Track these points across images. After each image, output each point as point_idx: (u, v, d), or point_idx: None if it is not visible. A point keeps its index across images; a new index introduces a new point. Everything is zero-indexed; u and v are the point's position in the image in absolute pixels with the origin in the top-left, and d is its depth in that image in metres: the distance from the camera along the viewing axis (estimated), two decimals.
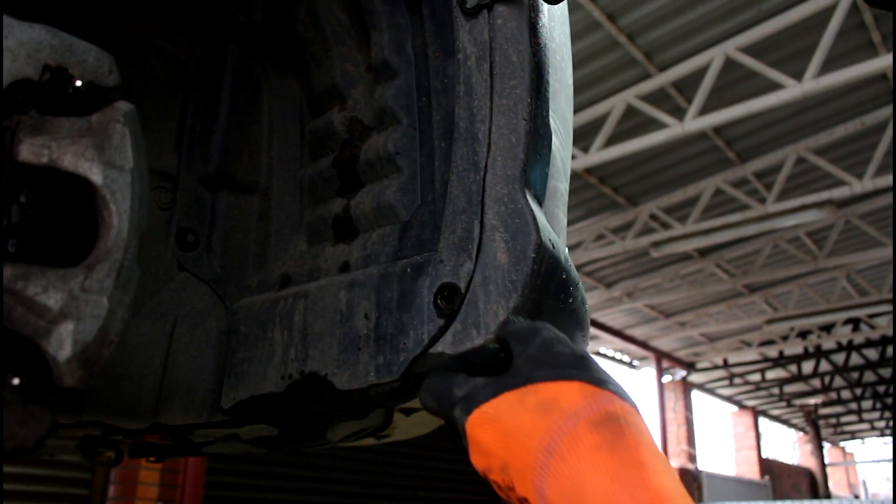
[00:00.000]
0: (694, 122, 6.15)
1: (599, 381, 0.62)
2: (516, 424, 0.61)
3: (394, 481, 7.07)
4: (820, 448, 20.79)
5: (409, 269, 0.84)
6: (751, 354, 15.66)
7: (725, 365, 16.31)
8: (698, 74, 6.09)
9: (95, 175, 0.68)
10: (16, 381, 0.64)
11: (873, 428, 24.09)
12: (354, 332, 0.86)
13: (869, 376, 17.39)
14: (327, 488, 6.41)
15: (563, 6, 0.96)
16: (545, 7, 0.84)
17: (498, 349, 0.71)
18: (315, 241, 1.02)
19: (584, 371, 0.63)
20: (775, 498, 16.60)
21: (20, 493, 4.57)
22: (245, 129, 1.11)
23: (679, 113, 6.43)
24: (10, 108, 0.68)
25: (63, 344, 0.63)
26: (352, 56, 1.05)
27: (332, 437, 1.06)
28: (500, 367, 0.69)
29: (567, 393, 0.61)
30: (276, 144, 1.13)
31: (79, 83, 0.72)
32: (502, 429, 0.62)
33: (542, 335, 0.68)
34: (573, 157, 5.90)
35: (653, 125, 6.45)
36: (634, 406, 0.62)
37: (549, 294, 0.77)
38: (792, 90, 5.61)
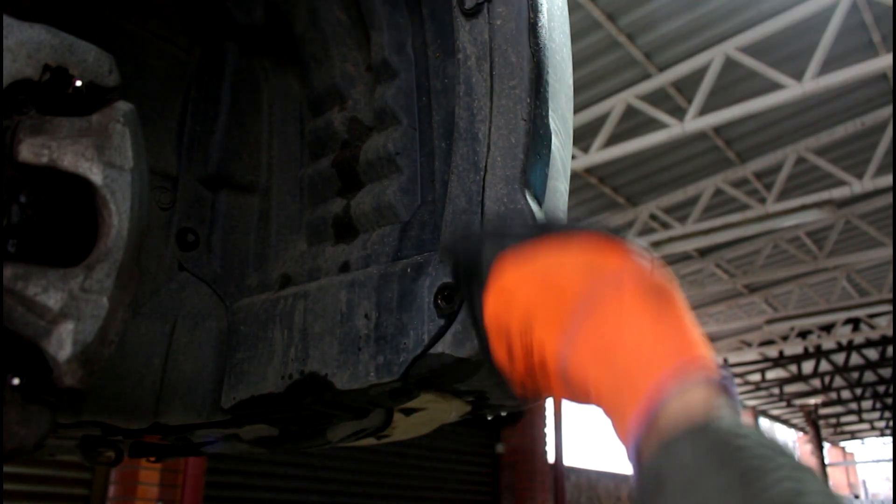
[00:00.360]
0: (694, 122, 6.15)
1: (639, 248, 0.60)
2: (556, 269, 0.58)
3: (394, 481, 7.06)
4: (820, 448, 20.80)
5: (409, 270, 0.84)
6: (751, 354, 15.66)
7: (725, 365, 16.29)
8: (698, 74, 6.09)
9: (95, 175, 0.68)
10: (16, 381, 0.64)
11: (873, 428, 24.09)
12: (354, 332, 0.85)
13: (869, 376, 17.38)
14: (327, 488, 6.41)
15: (563, 6, 0.96)
16: (545, 7, 0.84)
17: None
18: (315, 242, 1.02)
19: (625, 236, 0.62)
20: None
21: (20, 493, 4.57)
22: (245, 129, 1.11)
23: (679, 113, 6.43)
24: (11, 108, 0.68)
25: (63, 344, 0.63)
26: (352, 56, 1.05)
27: (332, 437, 1.05)
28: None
29: (611, 250, 0.59)
30: (276, 144, 1.13)
31: (79, 83, 0.72)
32: (538, 271, 0.60)
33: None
34: (573, 157, 5.90)
35: (653, 125, 6.44)
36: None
37: None
38: (792, 90, 5.61)
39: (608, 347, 0.54)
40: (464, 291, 0.69)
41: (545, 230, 0.64)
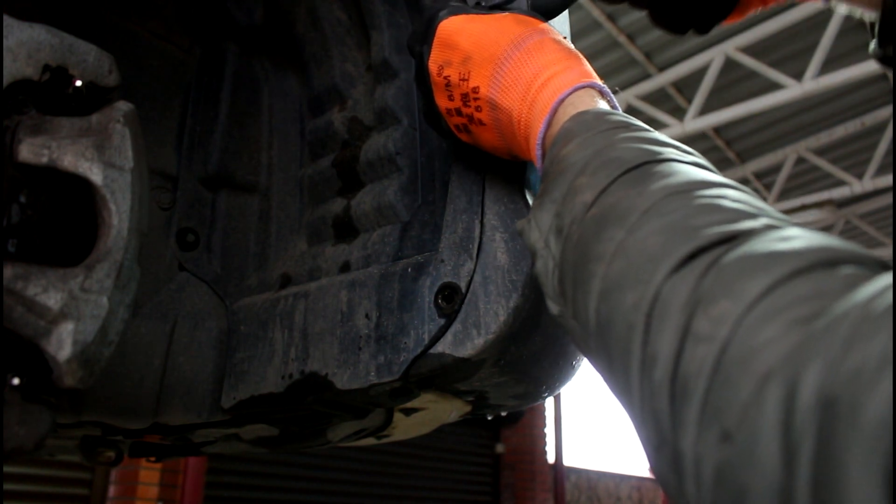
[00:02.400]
0: (694, 122, 6.15)
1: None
2: (496, 26, 0.71)
3: (394, 481, 7.07)
4: None
5: (409, 269, 0.84)
6: None
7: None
8: (698, 74, 6.09)
9: (95, 175, 0.67)
10: (16, 380, 0.64)
11: None
12: (355, 331, 0.85)
13: None
14: (327, 488, 6.41)
15: None
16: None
17: None
18: (315, 241, 1.02)
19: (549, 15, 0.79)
20: None
21: (20, 493, 4.57)
22: (245, 129, 1.11)
23: (679, 113, 6.43)
24: (11, 108, 0.68)
25: (63, 344, 0.63)
26: (352, 56, 1.05)
27: (332, 437, 1.05)
28: None
29: (536, 19, 0.74)
30: (277, 144, 1.13)
31: (79, 83, 0.72)
32: (480, 29, 0.72)
33: None
34: None
35: (653, 125, 6.43)
36: None
37: None
38: (792, 90, 5.61)
39: (528, 77, 0.67)
40: (416, 52, 0.77)
41: (491, 7, 0.77)
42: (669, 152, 0.54)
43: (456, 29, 0.73)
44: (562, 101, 0.64)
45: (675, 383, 0.38)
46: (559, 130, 0.62)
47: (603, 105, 0.65)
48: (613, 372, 0.46)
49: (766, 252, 0.39)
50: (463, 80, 0.71)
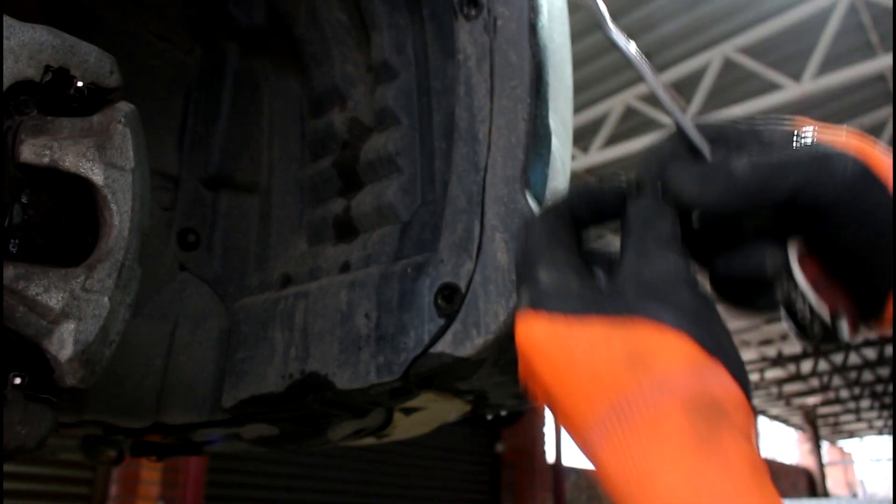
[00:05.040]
0: None
1: (714, 346, 0.46)
2: (587, 363, 0.48)
3: (394, 481, 7.07)
4: (818, 447, 20.82)
5: (409, 269, 0.84)
6: (750, 354, 15.67)
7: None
8: (698, 75, 6.10)
9: (97, 175, 0.68)
10: (17, 380, 0.64)
11: (871, 427, 24.13)
12: (355, 331, 0.86)
13: (867, 376, 17.40)
14: (327, 487, 6.42)
15: (563, 6, 0.97)
16: (545, 8, 0.85)
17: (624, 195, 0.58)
18: (315, 241, 1.03)
19: (699, 325, 0.47)
20: None
21: (21, 492, 4.58)
22: (246, 130, 1.11)
23: None
24: (12, 109, 0.68)
25: (64, 344, 0.63)
26: (352, 57, 1.05)
27: (332, 437, 1.06)
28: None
29: (668, 349, 0.46)
30: (277, 145, 1.13)
31: (80, 84, 0.72)
32: (566, 358, 0.50)
33: (672, 237, 0.52)
34: (573, 157, 5.90)
35: (652, 125, 6.45)
36: (746, 394, 0.46)
37: None
38: (791, 91, 5.62)
39: (632, 472, 0.44)
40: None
41: (598, 305, 0.51)
42: None
43: (539, 348, 0.53)
44: None
45: None
46: None
47: None
48: None
49: None
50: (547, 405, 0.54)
